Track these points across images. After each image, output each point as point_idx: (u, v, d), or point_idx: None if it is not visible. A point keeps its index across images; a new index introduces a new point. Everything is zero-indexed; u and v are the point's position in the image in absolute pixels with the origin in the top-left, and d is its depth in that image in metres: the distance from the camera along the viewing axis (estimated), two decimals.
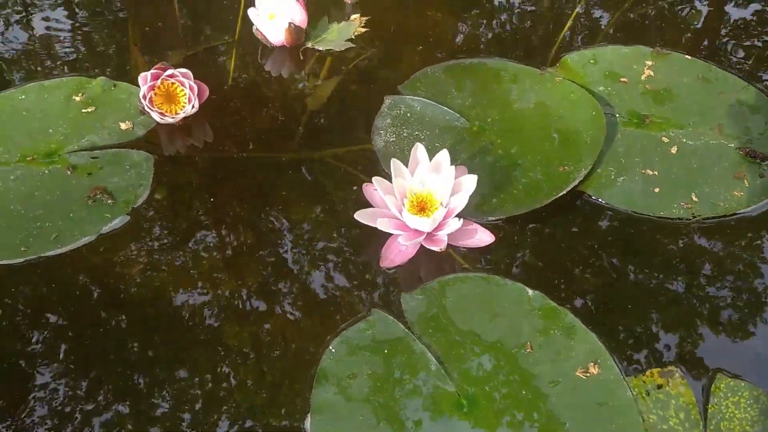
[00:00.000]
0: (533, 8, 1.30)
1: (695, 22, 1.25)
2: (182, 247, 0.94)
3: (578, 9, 1.26)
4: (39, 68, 1.20)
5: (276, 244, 0.95)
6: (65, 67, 1.19)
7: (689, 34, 1.22)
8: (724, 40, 1.20)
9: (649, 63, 1.12)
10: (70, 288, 0.90)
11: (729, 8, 1.29)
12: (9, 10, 1.32)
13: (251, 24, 1.18)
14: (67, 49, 1.24)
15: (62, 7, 1.33)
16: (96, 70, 1.18)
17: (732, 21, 1.25)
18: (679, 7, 1.28)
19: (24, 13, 1.32)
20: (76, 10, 1.33)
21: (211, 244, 0.95)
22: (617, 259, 0.91)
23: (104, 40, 1.27)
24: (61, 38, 1.26)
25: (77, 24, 1.30)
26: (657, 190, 0.96)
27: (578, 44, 1.19)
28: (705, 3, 1.29)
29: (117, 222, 0.95)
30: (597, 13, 1.27)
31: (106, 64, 1.21)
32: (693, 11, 1.27)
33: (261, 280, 0.91)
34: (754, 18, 1.26)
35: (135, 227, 0.96)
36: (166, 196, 1.00)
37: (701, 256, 0.91)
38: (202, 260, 0.93)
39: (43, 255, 0.91)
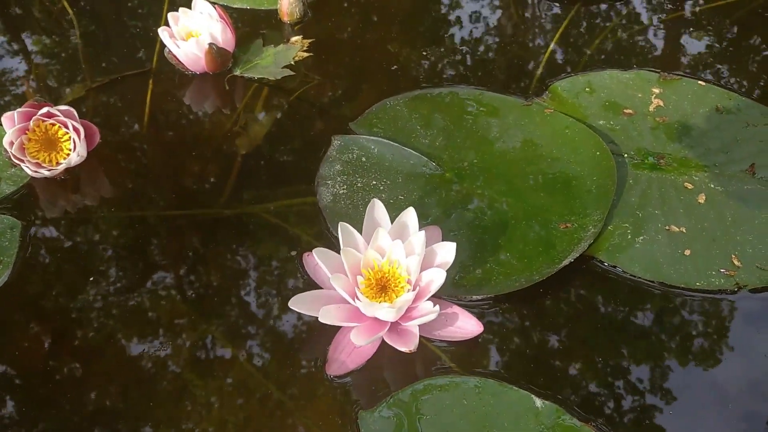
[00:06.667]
0: (509, 30, 1.09)
1: (700, 44, 1.05)
2: (51, 356, 0.68)
3: (561, 28, 1.06)
4: None
5: (186, 339, 0.69)
6: None
7: (693, 57, 1.03)
8: (738, 62, 1.01)
9: (657, 91, 0.92)
10: None
11: (734, 29, 1.11)
12: None
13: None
14: None
15: None
16: None
17: (743, 41, 1.06)
18: (676, 25, 1.09)
19: None
20: None
21: (94, 348, 0.69)
22: (652, 351, 0.69)
23: None
24: None
25: None
26: (688, 252, 0.74)
27: (567, 70, 0.98)
28: (709, 21, 1.10)
29: None
30: (582, 34, 1.07)
31: None
32: (694, 30, 1.07)
33: (163, 391, 0.65)
34: None
35: None
36: (36, 277, 0.74)
37: (758, 344, 0.69)
38: (78, 376, 0.67)
39: None
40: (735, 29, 1.07)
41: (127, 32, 1.07)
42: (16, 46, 1.06)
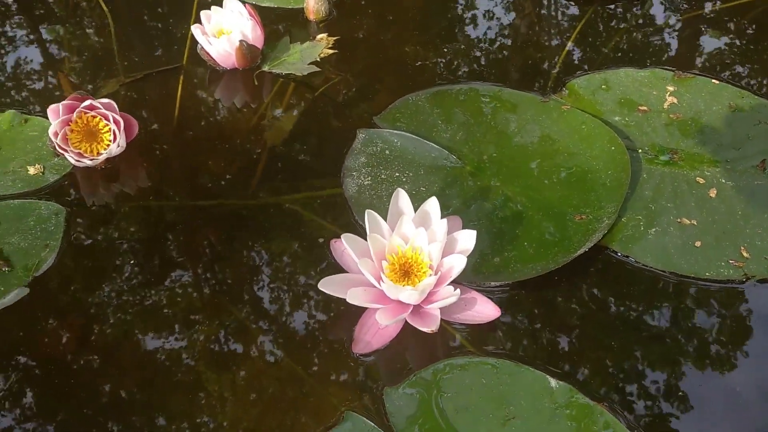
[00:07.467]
0: (526, 29, 1.12)
1: (715, 43, 1.08)
2: (94, 334, 0.73)
3: (578, 27, 1.09)
4: None
5: (220, 322, 0.74)
6: None
7: (708, 56, 1.05)
8: (751, 61, 1.03)
9: (671, 88, 0.94)
10: None
11: (749, 28, 1.13)
12: None
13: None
14: None
15: None
16: (9, 102, 0.98)
17: (757, 40, 1.09)
18: (691, 24, 1.11)
19: None
20: None
21: (136, 330, 0.73)
22: (662, 337, 0.72)
23: (26, 67, 1.06)
24: None
25: None
26: (698, 244, 0.77)
27: (584, 68, 1.01)
28: (724, 21, 1.13)
29: (12, 297, 0.73)
30: (599, 33, 1.10)
31: (26, 95, 1.01)
32: (709, 29, 1.10)
33: (198, 373, 0.70)
34: None
35: (34, 303, 0.74)
36: (80, 260, 0.78)
37: (764, 331, 0.72)
38: (119, 354, 0.71)
39: None
40: (749, 29, 1.09)
41: (159, 29, 1.12)
42: (52, 42, 1.11)
